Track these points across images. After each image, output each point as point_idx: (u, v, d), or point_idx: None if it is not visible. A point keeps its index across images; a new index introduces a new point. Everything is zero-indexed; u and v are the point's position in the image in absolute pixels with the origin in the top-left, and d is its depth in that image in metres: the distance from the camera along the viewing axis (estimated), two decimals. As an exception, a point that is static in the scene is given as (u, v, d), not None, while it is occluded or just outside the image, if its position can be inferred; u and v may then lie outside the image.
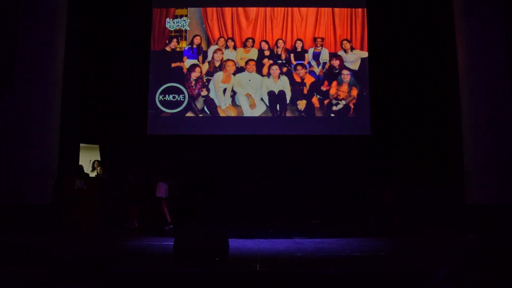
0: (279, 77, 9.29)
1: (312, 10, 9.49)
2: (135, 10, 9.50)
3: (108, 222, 7.75)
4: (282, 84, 9.27)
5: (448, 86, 8.60)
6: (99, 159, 8.83)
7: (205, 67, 9.33)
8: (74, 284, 4.17)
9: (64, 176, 7.66)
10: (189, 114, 9.22)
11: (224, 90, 9.27)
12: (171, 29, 9.45)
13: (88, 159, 8.56)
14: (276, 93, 9.25)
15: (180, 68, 9.34)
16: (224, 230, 5.51)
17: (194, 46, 9.41)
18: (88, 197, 7.46)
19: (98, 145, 9.22)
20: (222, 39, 9.42)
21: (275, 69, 9.30)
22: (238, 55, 9.40)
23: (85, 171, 8.22)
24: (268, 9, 9.53)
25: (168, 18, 9.47)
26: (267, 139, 9.20)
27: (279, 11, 9.51)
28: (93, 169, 8.40)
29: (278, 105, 9.23)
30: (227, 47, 9.40)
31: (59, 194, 7.43)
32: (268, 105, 9.23)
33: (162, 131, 9.20)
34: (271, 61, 9.34)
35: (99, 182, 7.74)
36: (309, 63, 9.34)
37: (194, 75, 9.31)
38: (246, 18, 9.53)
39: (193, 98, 9.25)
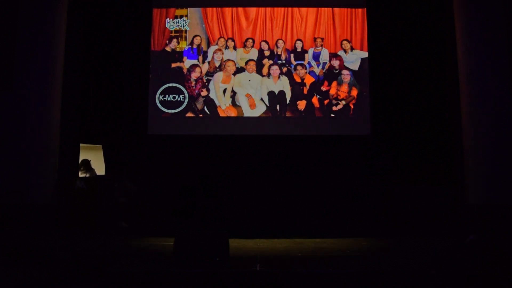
0: (279, 77, 9.29)
1: (312, 10, 9.49)
2: (135, 10, 9.49)
3: (108, 222, 7.74)
4: (282, 84, 9.27)
5: (448, 86, 8.60)
6: (100, 159, 8.82)
7: (205, 67, 9.34)
8: (74, 284, 4.17)
9: (64, 176, 7.65)
10: (189, 114, 9.22)
11: (224, 90, 9.27)
12: (171, 29, 9.45)
13: (89, 159, 8.56)
14: (276, 93, 9.25)
15: (180, 68, 9.34)
16: (224, 230, 5.51)
17: (194, 46, 9.41)
18: (88, 197, 7.46)
19: (98, 145, 9.22)
20: (222, 39, 9.42)
21: (275, 69, 9.30)
22: (238, 55, 9.40)
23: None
24: (268, 9, 9.53)
25: (168, 18, 9.47)
26: (267, 139, 9.20)
27: (279, 11, 9.51)
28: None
29: (278, 105, 9.24)
30: (227, 47, 9.40)
31: (59, 194, 7.43)
32: (268, 105, 9.23)
33: (162, 131, 9.20)
34: (271, 61, 9.34)
35: (100, 182, 7.74)
36: (309, 63, 9.34)
37: (194, 75, 9.31)
38: (246, 18, 9.53)
39: (193, 99, 9.25)
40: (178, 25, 9.46)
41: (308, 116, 9.23)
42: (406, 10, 9.29)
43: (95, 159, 8.81)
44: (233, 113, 9.23)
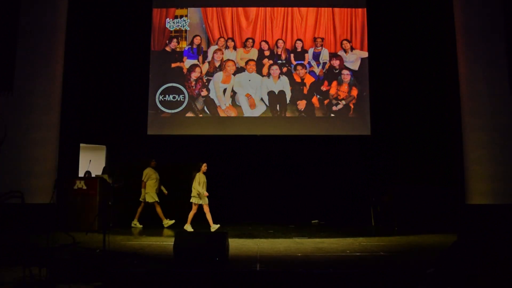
0: (279, 77, 9.29)
1: (312, 10, 9.49)
2: (135, 10, 9.50)
3: (109, 222, 7.73)
4: (282, 84, 9.28)
5: (448, 86, 8.59)
6: (100, 159, 8.82)
7: (205, 67, 9.34)
8: (74, 284, 4.17)
9: (64, 176, 7.65)
10: (189, 114, 9.23)
11: (224, 90, 9.27)
12: (171, 29, 9.45)
13: (89, 159, 8.56)
14: (276, 93, 9.25)
15: (180, 68, 9.35)
16: (224, 230, 5.51)
17: (194, 46, 9.41)
18: (88, 197, 7.46)
19: (98, 145, 9.22)
20: (222, 39, 9.42)
21: (275, 69, 9.30)
22: (238, 55, 9.40)
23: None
24: (268, 9, 9.53)
25: (168, 18, 9.47)
26: (267, 139, 9.20)
27: (279, 11, 9.52)
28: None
29: (278, 105, 9.24)
30: (227, 47, 9.40)
31: (59, 194, 7.42)
32: (268, 105, 9.23)
33: (162, 131, 9.20)
34: (271, 61, 9.34)
35: (99, 182, 7.73)
36: (309, 63, 9.34)
37: (194, 75, 9.31)
38: (246, 18, 9.53)
39: (193, 98, 9.25)
40: (178, 25, 9.47)
41: (308, 116, 9.23)
42: (406, 10, 9.30)
43: (95, 159, 8.81)
44: (233, 113, 9.23)
